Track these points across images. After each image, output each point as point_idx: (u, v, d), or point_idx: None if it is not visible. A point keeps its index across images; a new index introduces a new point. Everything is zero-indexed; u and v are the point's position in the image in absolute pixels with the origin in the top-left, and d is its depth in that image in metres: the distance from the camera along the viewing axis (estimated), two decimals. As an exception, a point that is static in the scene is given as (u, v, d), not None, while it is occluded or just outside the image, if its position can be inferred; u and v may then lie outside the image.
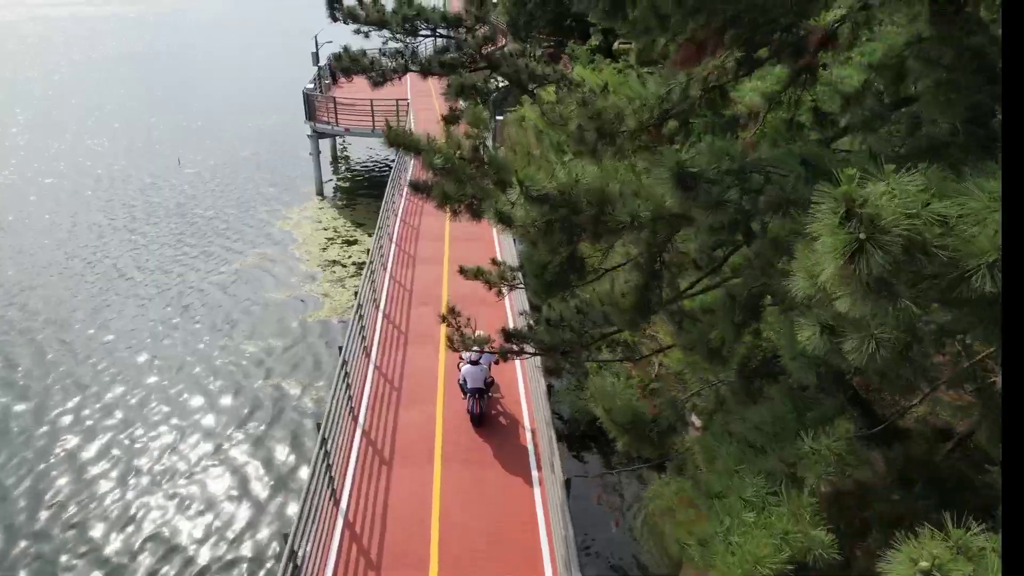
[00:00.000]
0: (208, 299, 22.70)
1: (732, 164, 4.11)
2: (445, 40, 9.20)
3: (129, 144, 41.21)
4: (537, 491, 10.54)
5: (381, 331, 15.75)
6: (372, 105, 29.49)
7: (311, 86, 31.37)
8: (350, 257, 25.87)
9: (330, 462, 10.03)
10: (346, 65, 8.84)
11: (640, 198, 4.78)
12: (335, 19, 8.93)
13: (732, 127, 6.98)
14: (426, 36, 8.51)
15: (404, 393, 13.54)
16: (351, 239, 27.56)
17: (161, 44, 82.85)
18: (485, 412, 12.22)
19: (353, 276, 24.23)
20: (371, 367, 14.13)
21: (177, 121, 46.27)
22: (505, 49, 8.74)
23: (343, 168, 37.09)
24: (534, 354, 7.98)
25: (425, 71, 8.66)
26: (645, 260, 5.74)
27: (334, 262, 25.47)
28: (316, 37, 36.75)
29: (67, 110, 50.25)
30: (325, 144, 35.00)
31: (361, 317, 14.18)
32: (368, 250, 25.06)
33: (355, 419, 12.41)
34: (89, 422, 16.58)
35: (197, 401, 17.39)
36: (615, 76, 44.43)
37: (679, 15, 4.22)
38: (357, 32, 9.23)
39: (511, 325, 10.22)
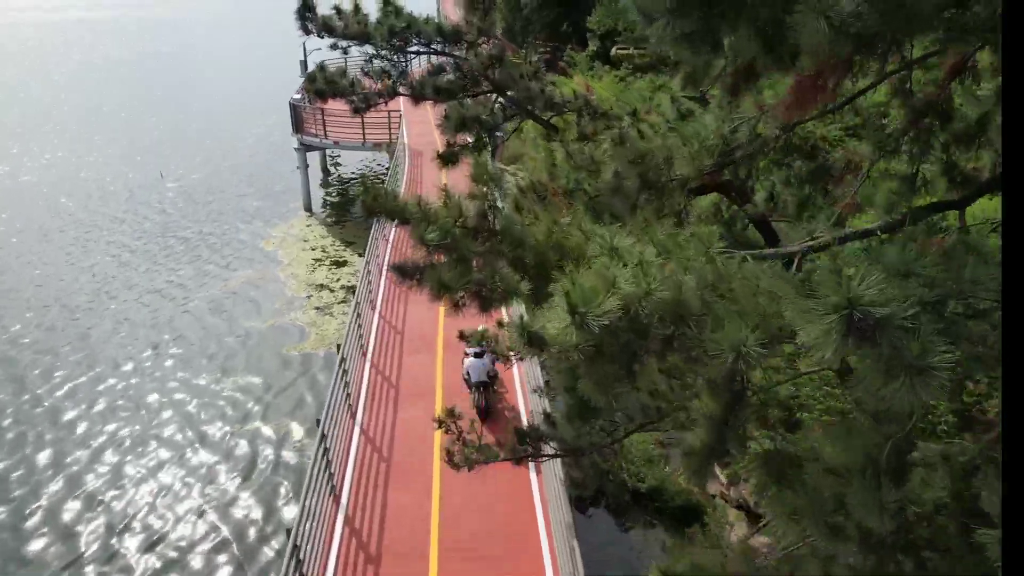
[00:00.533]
0: (182, 330, 20.96)
1: (928, 293, 2.50)
2: (440, 58, 7.64)
3: (115, 154, 39.47)
4: (534, 478, 10.41)
5: (369, 382, 14.10)
6: (362, 117, 27.82)
7: (298, 96, 29.68)
8: (338, 280, 24.18)
9: (329, 458, 9.79)
10: (320, 87, 7.25)
11: (746, 317, 3.12)
12: (307, 31, 7.35)
13: (819, 179, 5.38)
14: (418, 53, 6.97)
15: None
16: (340, 260, 25.88)
17: (157, 48, 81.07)
18: (491, 406, 12.00)
19: (342, 302, 22.54)
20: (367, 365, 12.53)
21: (163, 130, 44.53)
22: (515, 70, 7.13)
23: (333, 181, 35.40)
24: (555, 455, 6.35)
25: (417, 96, 7.06)
26: (725, 381, 4.06)
27: (321, 286, 23.78)
28: (304, 44, 35.10)
29: (59, 117, 48.44)
30: (314, 156, 33.34)
31: (344, 364, 12.53)
32: (357, 272, 23.72)
33: (353, 416, 11.86)
34: (38, 479, 14.85)
35: (157, 454, 15.64)
36: (616, 85, 43.01)
37: (831, 40, 2.60)
38: (334, 47, 7.66)
39: (522, 406, 8.64)
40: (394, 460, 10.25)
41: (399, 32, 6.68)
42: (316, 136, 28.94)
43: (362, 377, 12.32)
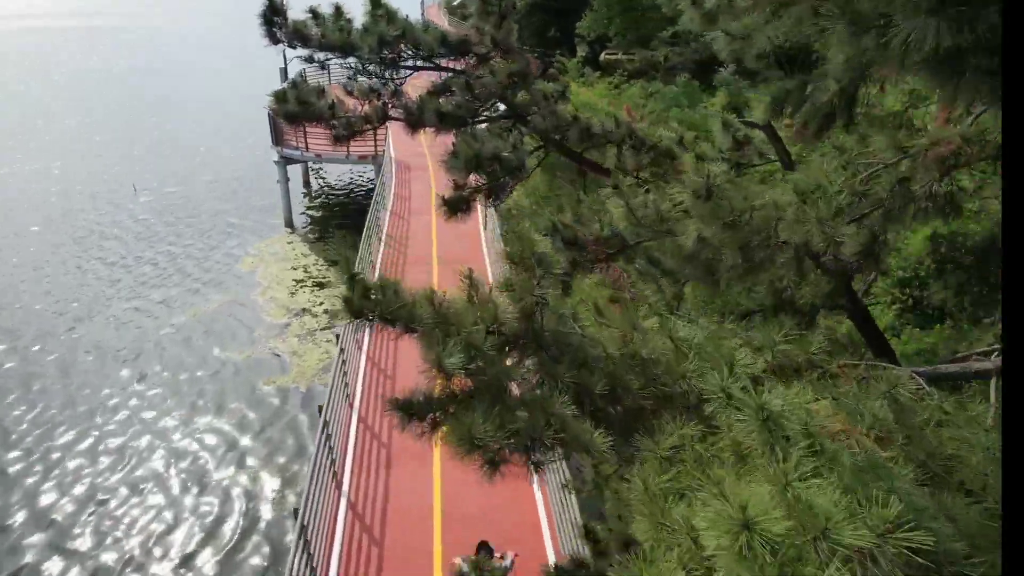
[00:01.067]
0: (152, 363, 19.25)
1: None
2: (442, 74, 6.18)
3: (86, 168, 37.54)
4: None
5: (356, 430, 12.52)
6: (346, 128, 26.32)
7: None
8: (321, 303, 22.55)
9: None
10: (292, 110, 5.78)
11: None
12: (275, 40, 5.91)
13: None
14: (415, 68, 5.57)
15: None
16: (323, 280, 24.24)
17: (137, 59, 78.90)
18: None
19: (325, 328, 20.93)
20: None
21: (139, 142, 42.63)
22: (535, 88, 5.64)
23: (316, 194, 33.73)
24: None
25: (414, 122, 5.61)
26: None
27: (304, 310, 22.14)
28: (284, 50, 33.50)
29: (28, 130, 46.34)
30: (296, 170, 31.68)
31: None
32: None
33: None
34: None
35: (116, 509, 13.95)
36: (610, 91, 41.69)
37: None
38: (310, 61, 6.20)
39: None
40: (386, 545, 8.69)
41: (391, 42, 5.28)
42: (297, 149, 27.33)
43: (347, 443, 10.76)
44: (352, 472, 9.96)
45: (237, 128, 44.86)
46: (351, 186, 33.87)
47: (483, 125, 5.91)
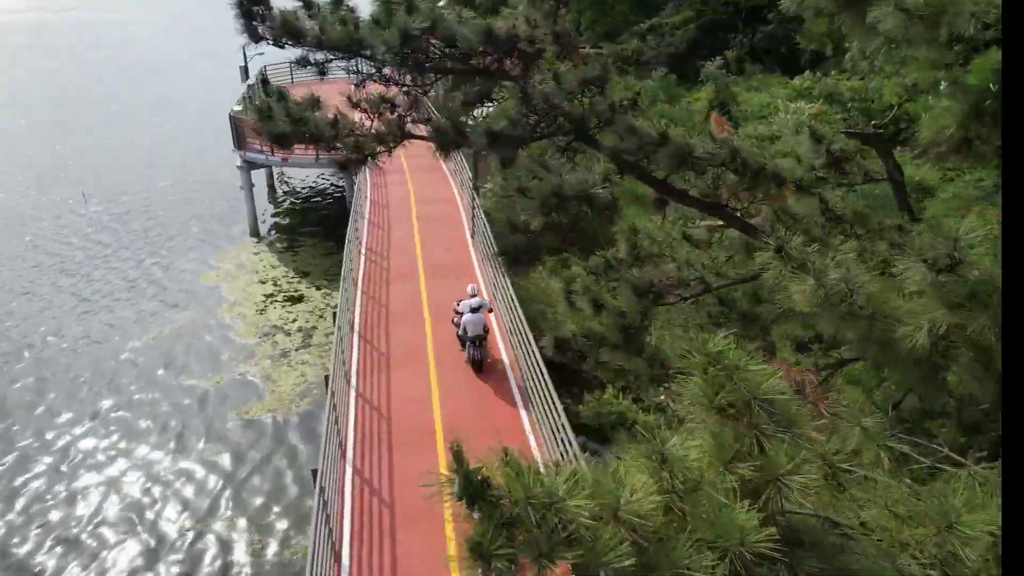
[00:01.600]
0: (108, 392, 17.46)
1: None
2: (477, 80, 4.80)
3: (34, 174, 34.94)
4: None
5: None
6: (315, 130, 24.61)
7: (239, 107, 26.20)
8: (294, 320, 20.92)
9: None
10: (282, 130, 4.39)
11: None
12: (256, 38, 4.54)
13: None
14: (448, 72, 4.25)
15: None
16: (294, 294, 22.58)
17: (91, 54, 74.95)
18: (484, 358, 12.48)
19: (300, 348, 19.36)
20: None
21: (91, 145, 39.99)
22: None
23: (282, 199, 31.83)
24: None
25: (447, 142, 4.23)
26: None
27: (275, 328, 20.49)
28: (244, 48, 31.48)
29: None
30: (260, 174, 29.82)
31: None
32: (316, 311, 20.63)
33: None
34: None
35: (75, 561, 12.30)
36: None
37: None
38: (303, 63, 4.80)
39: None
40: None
41: (415, 37, 3.96)
42: (261, 152, 25.50)
43: (344, 505, 9.27)
44: (352, 543, 8.45)
45: (196, 128, 42.51)
46: (319, 189, 32.07)
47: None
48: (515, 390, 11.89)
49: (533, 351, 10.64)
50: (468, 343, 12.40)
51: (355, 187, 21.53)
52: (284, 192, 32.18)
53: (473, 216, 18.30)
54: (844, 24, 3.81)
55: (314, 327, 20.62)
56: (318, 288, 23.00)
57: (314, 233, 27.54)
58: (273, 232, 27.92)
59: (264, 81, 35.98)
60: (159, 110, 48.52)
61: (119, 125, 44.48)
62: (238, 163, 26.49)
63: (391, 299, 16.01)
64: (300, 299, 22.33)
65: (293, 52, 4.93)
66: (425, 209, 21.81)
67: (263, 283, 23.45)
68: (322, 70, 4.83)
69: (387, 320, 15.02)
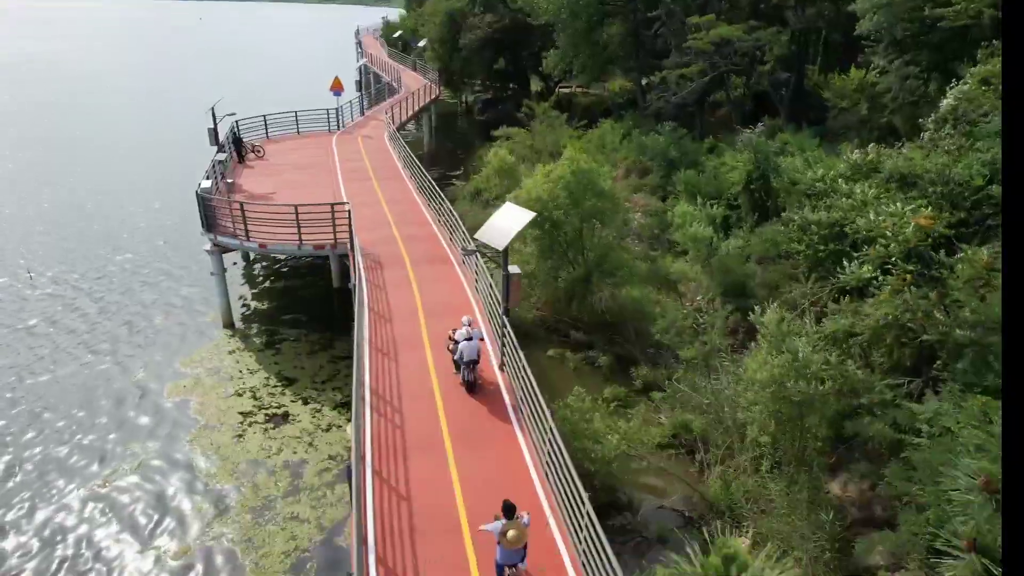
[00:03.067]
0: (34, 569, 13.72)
1: None
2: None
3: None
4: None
5: None
6: (297, 214, 21.24)
7: (207, 183, 22.78)
8: (279, 451, 17.44)
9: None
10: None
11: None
12: None
13: None
14: None
15: None
16: (278, 411, 19.10)
17: (48, 95, 70.49)
18: (476, 380, 14.46)
19: (288, 494, 15.87)
20: None
21: (38, 206, 35.96)
22: None
23: (260, 277, 28.28)
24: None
25: None
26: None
27: (256, 464, 16.99)
28: (213, 109, 28.15)
29: None
30: (234, 253, 26.29)
31: None
32: (304, 435, 16.80)
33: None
34: None
35: None
36: (576, 135, 37.62)
37: None
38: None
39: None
40: None
41: None
42: (235, 237, 22.07)
43: None
44: None
45: (161, 188, 38.77)
46: (304, 267, 28.59)
47: None
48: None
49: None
50: (463, 366, 14.35)
51: (351, 286, 18.21)
52: (261, 269, 28.64)
53: (503, 344, 15.13)
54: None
55: (304, 460, 17.13)
56: (305, 402, 19.53)
57: (296, 321, 24.08)
58: (250, 323, 24.34)
59: (237, 140, 32.69)
60: (117, 165, 44.65)
61: (68, 182, 40.48)
62: (207, 247, 22.99)
63: (411, 468, 12.61)
64: (285, 418, 18.83)
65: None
66: (439, 325, 17.56)
67: (240, 395, 19.90)
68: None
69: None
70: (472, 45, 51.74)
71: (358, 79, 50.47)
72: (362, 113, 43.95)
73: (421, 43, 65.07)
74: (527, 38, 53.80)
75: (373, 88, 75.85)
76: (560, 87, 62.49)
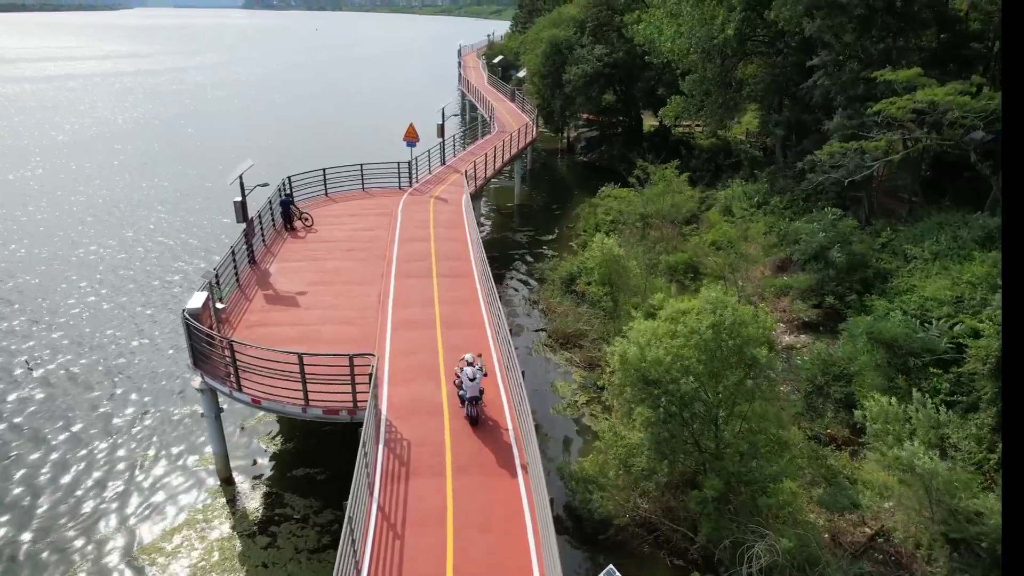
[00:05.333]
0: None
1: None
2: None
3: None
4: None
5: None
6: (302, 364, 14.83)
7: (197, 304, 16.86)
8: None
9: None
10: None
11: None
12: None
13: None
14: None
15: None
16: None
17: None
18: (479, 415, 14.89)
19: None
20: None
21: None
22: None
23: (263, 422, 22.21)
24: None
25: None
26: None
27: None
28: (241, 178, 22.44)
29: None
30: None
31: None
32: None
33: None
34: None
35: None
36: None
37: None
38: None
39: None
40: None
41: None
42: (225, 384, 16.00)
43: None
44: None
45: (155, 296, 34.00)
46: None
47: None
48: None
49: None
50: (467, 402, 14.72)
51: (355, 479, 11.41)
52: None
53: None
54: None
55: None
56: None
57: (309, 476, 17.82)
58: (252, 476, 18.25)
59: (285, 203, 27.20)
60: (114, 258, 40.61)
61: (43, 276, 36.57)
62: (197, 384, 17.06)
63: None
64: None
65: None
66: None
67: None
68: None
69: None
70: (578, 81, 44.61)
71: (438, 122, 44.23)
72: (443, 162, 37.77)
73: (521, 73, 58.72)
74: (642, 73, 46.21)
75: (467, 116, 70.49)
76: (676, 126, 54.50)
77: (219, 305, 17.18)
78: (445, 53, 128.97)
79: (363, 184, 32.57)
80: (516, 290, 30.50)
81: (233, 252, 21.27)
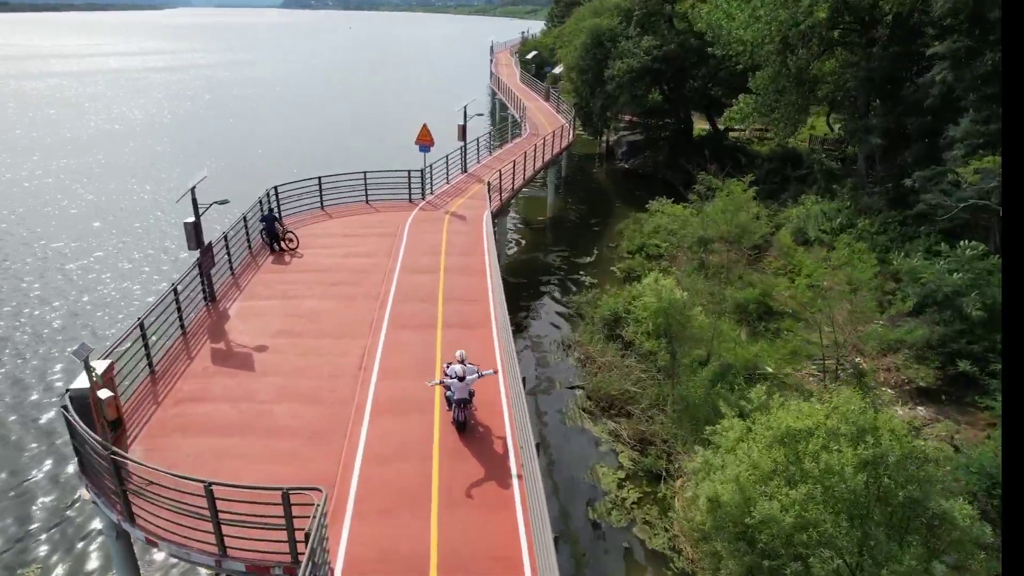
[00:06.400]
0: None
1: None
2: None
3: None
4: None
5: None
6: (212, 500, 9.54)
7: (84, 385, 11.76)
8: None
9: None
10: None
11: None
12: None
13: None
14: None
15: None
16: None
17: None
18: (468, 421, 12.96)
19: None
20: None
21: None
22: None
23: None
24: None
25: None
26: None
27: None
28: (193, 191, 17.29)
29: None
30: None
31: None
32: None
33: None
34: None
35: None
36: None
37: None
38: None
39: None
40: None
41: None
42: (112, 511, 10.82)
43: None
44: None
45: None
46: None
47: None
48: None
49: None
50: (454, 404, 12.97)
51: None
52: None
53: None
54: None
55: None
56: None
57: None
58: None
59: (269, 219, 22.29)
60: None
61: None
62: (87, 495, 11.90)
63: None
64: None
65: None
66: None
67: None
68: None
69: None
70: (622, 77, 38.83)
71: (459, 122, 38.71)
72: (464, 169, 32.40)
73: (557, 69, 53.14)
74: (696, 69, 40.29)
75: (497, 117, 65.09)
76: (731, 131, 48.32)
77: (102, 395, 11.88)
78: (479, 53, 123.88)
79: (367, 196, 27.34)
80: (545, 331, 24.95)
81: (176, 292, 16.14)
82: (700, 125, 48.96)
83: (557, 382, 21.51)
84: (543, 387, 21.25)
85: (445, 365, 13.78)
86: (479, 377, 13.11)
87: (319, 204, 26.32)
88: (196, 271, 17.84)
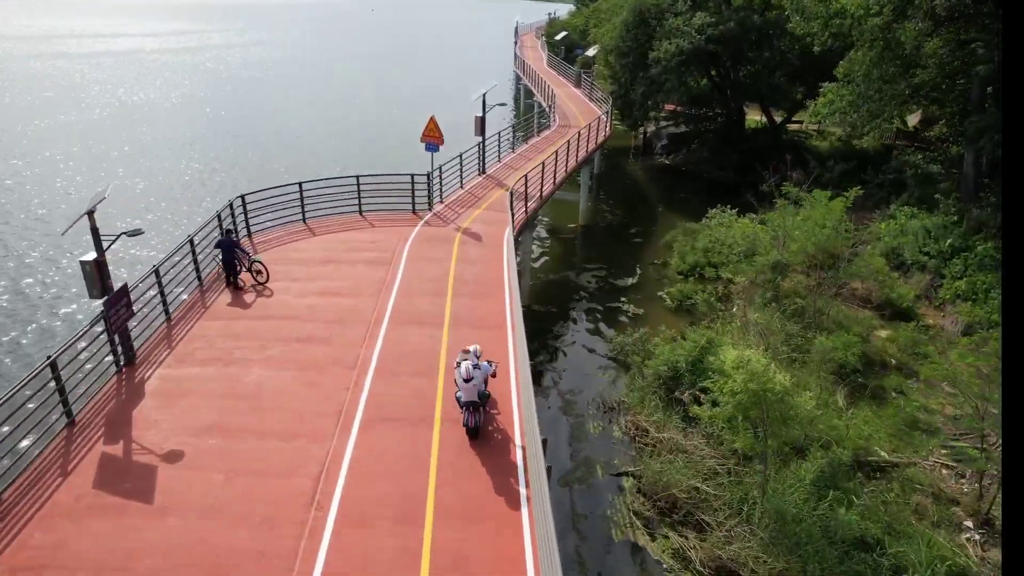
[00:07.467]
0: None
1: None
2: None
3: None
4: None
5: None
6: None
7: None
8: None
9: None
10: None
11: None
12: None
13: None
14: None
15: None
16: None
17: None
18: (480, 426, 11.52)
19: None
20: None
21: None
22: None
23: None
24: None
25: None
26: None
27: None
28: (92, 212, 12.07)
29: None
30: None
31: None
32: None
33: None
34: None
35: None
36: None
37: None
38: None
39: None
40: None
41: None
42: None
43: None
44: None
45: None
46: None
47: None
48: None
49: None
50: (463, 407, 11.51)
51: None
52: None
53: None
54: None
55: None
56: None
57: None
58: None
59: (228, 245, 17.22)
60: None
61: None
62: None
63: None
64: None
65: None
66: None
67: None
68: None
69: None
70: (670, 60, 33.05)
71: (477, 114, 33.32)
72: (481, 170, 27.07)
73: (591, 51, 47.39)
74: (758, 51, 34.36)
75: (522, 105, 59.50)
76: (791, 123, 42.33)
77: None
78: (504, 37, 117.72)
79: (360, 207, 22.14)
80: (578, 383, 19.62)
81: (54, 366, 11.12)
82: (752, 116, 43.05)
83: (598, 465, 16.25)
84: (579, 473, 16.02)
85: (457, 360, 12.07)
86: (489, 375, 11.75)
87: (301, 216, 21.20)
88: (103, 323, 12.82)
